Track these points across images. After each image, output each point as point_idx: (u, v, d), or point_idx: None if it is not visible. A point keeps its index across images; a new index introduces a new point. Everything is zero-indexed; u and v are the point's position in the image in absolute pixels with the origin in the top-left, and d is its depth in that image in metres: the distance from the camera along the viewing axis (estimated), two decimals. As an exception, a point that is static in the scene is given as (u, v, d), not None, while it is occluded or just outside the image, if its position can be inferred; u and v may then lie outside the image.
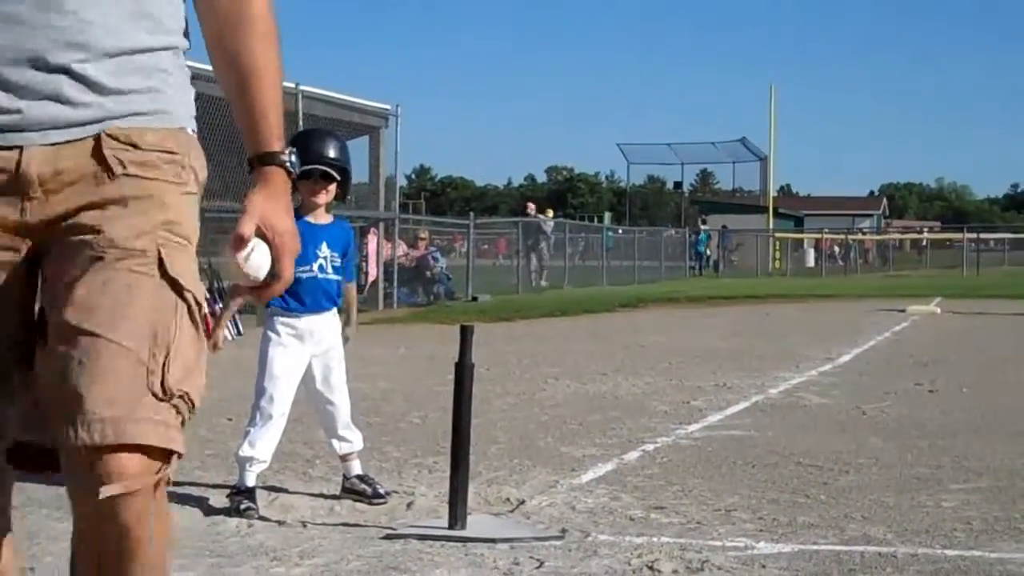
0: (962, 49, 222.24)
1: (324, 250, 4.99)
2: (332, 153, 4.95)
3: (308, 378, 5.01)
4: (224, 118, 14.63)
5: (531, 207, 35.15)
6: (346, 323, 5.18)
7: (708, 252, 46.69)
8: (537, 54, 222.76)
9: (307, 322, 4.95)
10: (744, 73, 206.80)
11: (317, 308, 4.98)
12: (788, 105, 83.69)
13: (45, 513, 4.72)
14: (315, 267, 4.95)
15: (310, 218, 4.91)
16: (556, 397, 8.68)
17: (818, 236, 51.81)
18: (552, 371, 10.39)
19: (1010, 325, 17.11)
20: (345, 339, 5.14)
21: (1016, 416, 7.80)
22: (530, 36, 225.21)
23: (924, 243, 58.52)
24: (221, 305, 14.30)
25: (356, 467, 5.10)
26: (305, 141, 5.07)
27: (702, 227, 48.10)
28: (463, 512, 4.48)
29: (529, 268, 28.80)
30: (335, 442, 5.08)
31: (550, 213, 35.93)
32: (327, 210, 5.07)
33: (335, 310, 5.10)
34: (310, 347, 4.97)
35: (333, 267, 5.02)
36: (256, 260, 2.19)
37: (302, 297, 4.92)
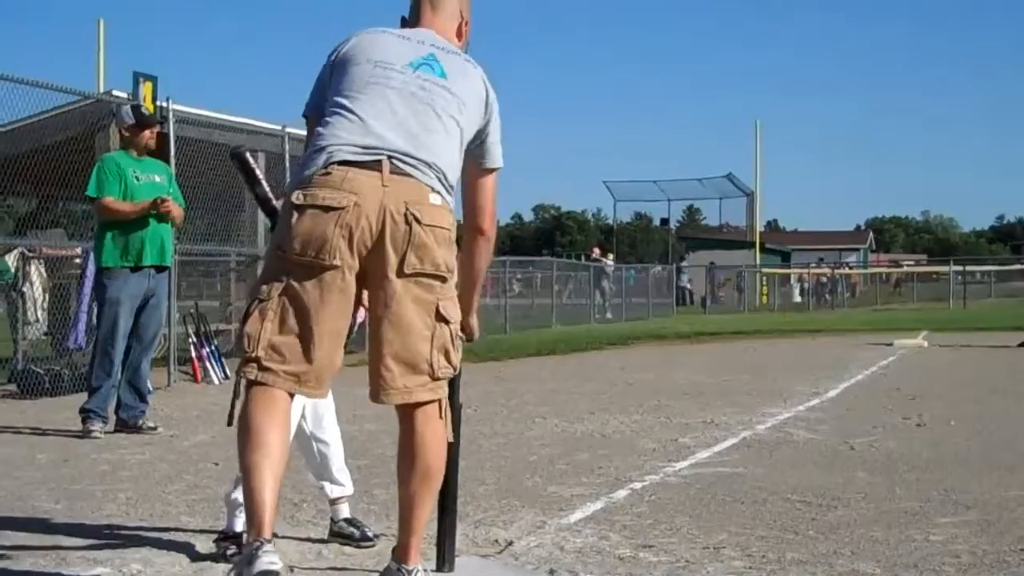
0: (946, 83, 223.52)
1: None
2: None
3: (299, 421, 4.99)
4: (210, 163, 14.53)
5: (596, 251, 42.47)
6: None
7: (688, 286, 46.94)
8: (521, 93, 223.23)
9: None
10: (730, 110, 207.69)
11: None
12: (774, 141, 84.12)
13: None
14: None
15: None
16: (544, 437, 8.66)
17: (804, 271, 51.90)
18: (540, 410, 10.37)
19: (997, 357, 17.14)
20: None
21: (1004, 449, 7.81)
22: (514, 74, 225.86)
23: (908, 277, 58.58)
24: (207, 349, 14.17)
25: (344, 510, 5.08)
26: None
27: (681, 263, 48.95)
28: (451, 554, 4.47)
29: (594, 303, 33.64)
30: (327, 485, 5.05)
31: (610, 256, 42.40)
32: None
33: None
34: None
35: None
36: None
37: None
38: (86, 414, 8.72)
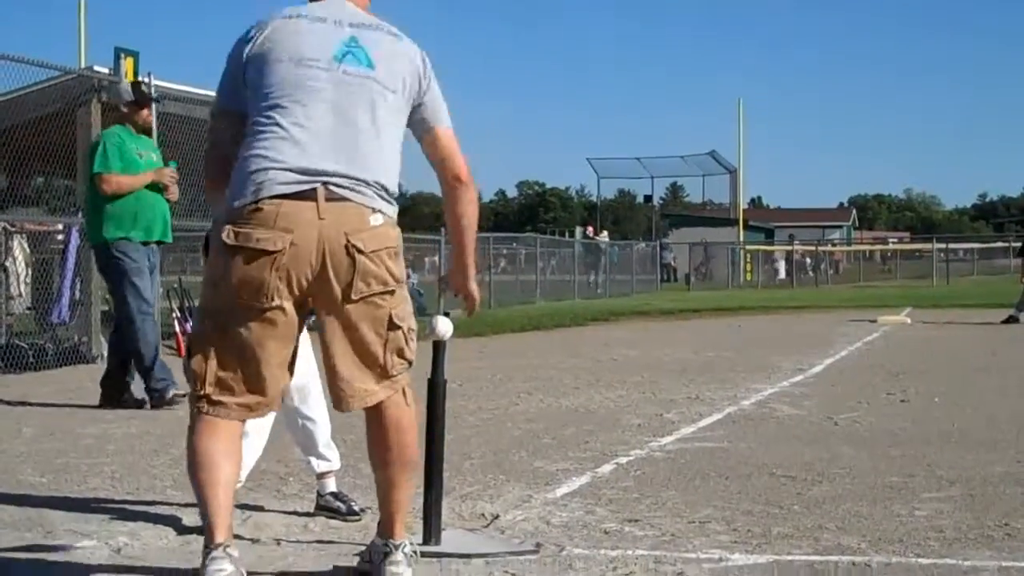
0: (929, 60, 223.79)
1: None
2: None
3: (285, 397, 4.97)
4: (192, 139, 14.48)
5: (590, 229, 42.96)
6: None
7: (672, 263, 47.02)
8: (506, 70, 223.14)
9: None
10: (713, 86, 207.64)
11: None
12: (757, 118, 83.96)
13: None
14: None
15: None
16: (529, 412, 8.67)
17: (788, 248, 51.97)
18: (525, 386, 10.38)
19: (980, 334, 17.21)
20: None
21: (987, 424, 7.84)
22: (499, 52, 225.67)
23: (892, 254, 58.74)
24: (191, 323, 14.19)
25: (331, 484, 5.08)
26: None
27: (665, 240, 49.17)
28: (437, 527, 4.47)
29: (589, 279, 34.55)
30: (313, 460, 5.04)
31: (604, 233, 43.26)
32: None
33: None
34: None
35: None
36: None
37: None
38: (162, 384, 8.64)
